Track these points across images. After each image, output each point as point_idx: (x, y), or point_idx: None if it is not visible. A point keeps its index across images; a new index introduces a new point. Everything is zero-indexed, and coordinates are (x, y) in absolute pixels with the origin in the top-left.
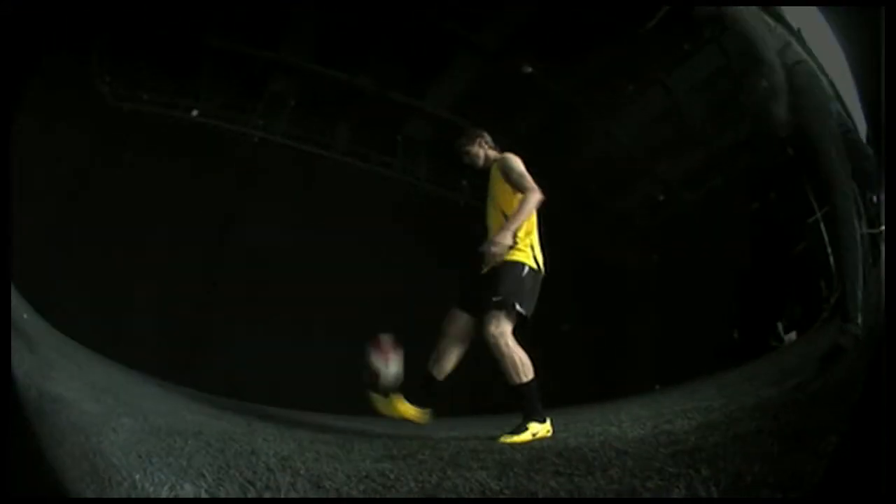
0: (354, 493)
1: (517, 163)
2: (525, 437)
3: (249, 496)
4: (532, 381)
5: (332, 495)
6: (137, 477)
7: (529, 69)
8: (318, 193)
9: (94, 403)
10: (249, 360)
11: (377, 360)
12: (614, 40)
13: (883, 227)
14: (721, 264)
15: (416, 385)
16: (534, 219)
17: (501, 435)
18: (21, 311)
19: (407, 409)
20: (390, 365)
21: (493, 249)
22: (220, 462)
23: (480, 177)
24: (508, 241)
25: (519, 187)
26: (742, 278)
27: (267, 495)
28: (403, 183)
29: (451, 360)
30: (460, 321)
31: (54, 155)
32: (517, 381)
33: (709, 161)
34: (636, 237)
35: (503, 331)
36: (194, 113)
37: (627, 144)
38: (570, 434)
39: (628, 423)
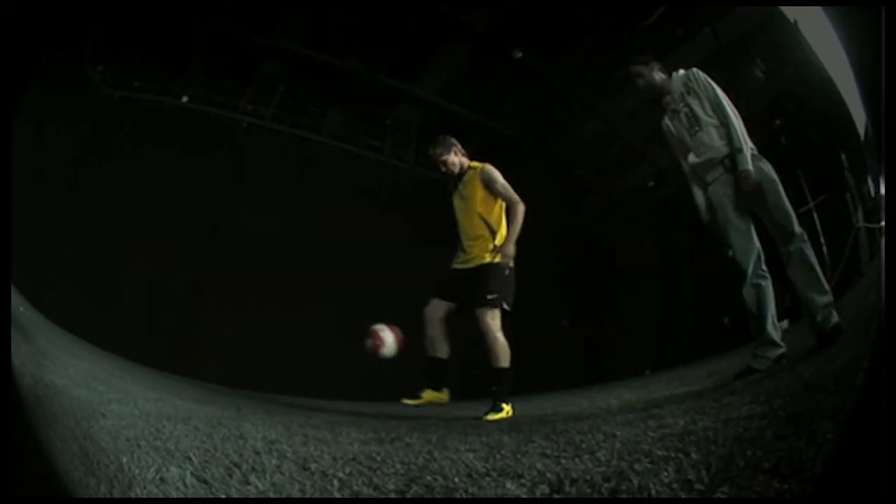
0: (340, 475)
1: (499, 174)
2: (501, 415)
3: (234, 478)
4: (510, 368)
5: (318, 477)
6: (125, 460)
7: (520, 53)
8: (308, 179)
9: (86, 390)
10: (242, 350)
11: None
12: (606, 26)
13: (883, 223)
14: (712, 249)
15: (420, 372)
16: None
17: (484, 415)
18: (17, 303)
19: (432, 395)
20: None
21: (504, 260)
22: (207, 446)
23: (477, 161)
24: (513, 251)
25: (506, 198)
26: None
27: (252, 477)
28: (393, 167)
29: (445, 340)
30: (442, 308)
31: (47, 148)
32: (503, 364)
33: None
34: (628, 221)
35: (497, 322)
36: (184, 99)
37: (620, 128)
38: (558, 417)
39: (617, 406)
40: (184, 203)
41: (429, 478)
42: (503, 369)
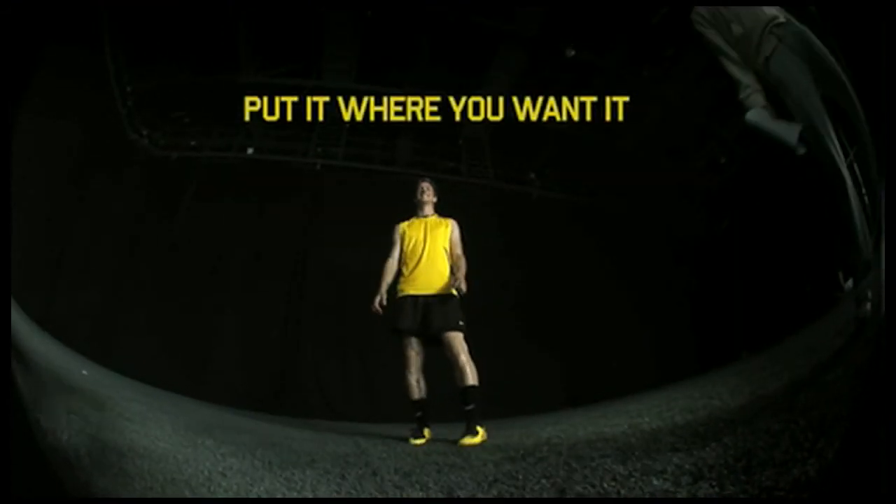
0: (492, 498)
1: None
2: (478, 438)
3: None
4: (478, 387)
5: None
6: None
7: (573, 52)
8: (389, 210)
9: (192, 448)
10: (339, 383)
11: None
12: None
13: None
14: (783, 219)
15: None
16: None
17: (460, 440)
18: (80, 368)
19: (429, 433)
20: None
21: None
22: (346, 488)
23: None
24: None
25: (459, 250)
26: (807, 230)
27: None
28: (472, 185)
29: (423, 379)
30: (421, 347)
31: (113, 210)
32: (474, 382)
33: None
34: (702, 203)
35: (465, 345)
36: (249, 151)
37: (683, 107)
38: (675, 412)
39: (728, 393)
40: (267, 250)
41: (579, 488)
42: (474, 387)
